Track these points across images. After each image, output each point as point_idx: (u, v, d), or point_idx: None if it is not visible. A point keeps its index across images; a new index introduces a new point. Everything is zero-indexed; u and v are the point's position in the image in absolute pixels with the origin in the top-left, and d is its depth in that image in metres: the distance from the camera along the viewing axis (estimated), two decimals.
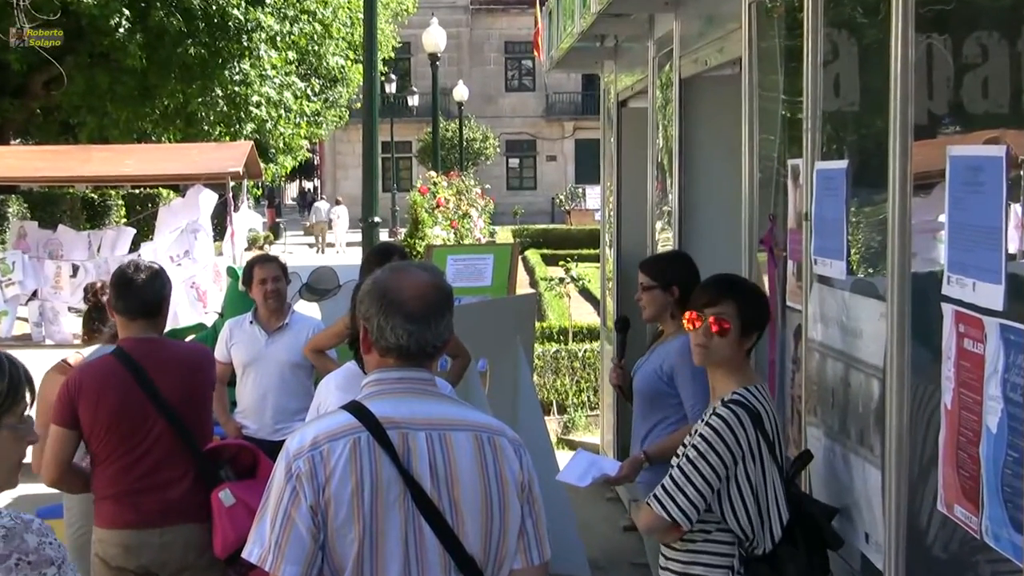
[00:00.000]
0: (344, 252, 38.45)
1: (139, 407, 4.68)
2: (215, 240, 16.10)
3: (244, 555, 2.82)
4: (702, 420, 3.81)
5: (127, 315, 4.77)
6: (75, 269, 14.23)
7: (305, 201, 62.57)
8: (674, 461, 3.82)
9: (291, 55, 26.79)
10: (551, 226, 43.84)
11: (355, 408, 2.86)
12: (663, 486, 3.76)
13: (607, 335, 9.80)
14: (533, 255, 29.99)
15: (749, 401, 3.76)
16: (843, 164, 4.12)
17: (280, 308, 6.85)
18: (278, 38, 25.37)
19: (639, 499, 4.95)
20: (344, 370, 4.74)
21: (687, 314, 3.96)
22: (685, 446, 3.81)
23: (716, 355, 3.87)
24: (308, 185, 79.04)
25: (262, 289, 6.80)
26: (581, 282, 17.61)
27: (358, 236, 39.58)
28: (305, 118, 29.02)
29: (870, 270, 4.00)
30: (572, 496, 7.74)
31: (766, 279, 5.00)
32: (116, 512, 4.70)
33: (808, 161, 4.44)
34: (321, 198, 43.76)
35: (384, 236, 25.83)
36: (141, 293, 4.77)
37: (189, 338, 8.25)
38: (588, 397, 12.99)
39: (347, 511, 2.77)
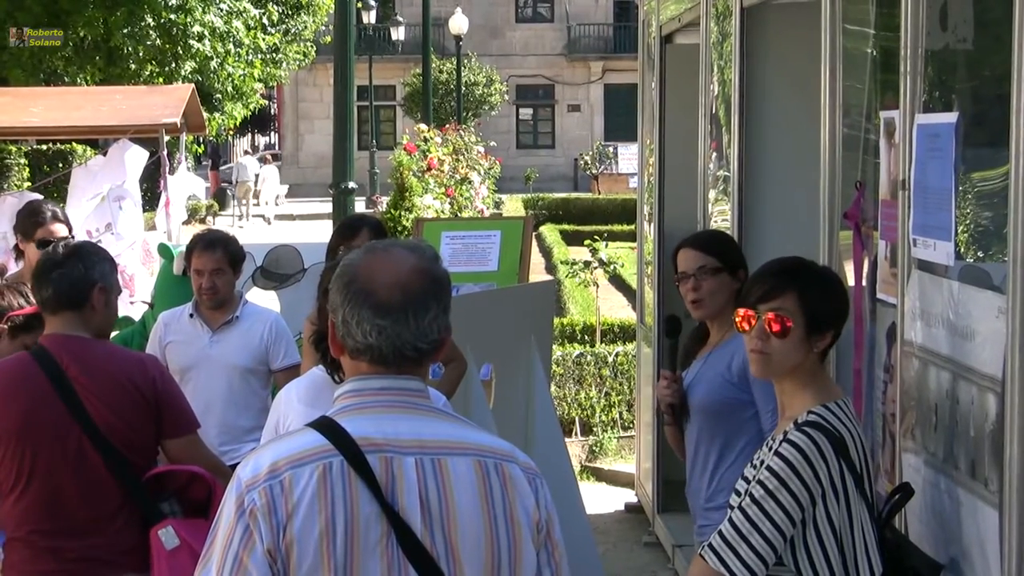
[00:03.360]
0: (272, 225, 38.37)
1: (56, 420, 4.66)
2: (145, 211, 16.12)
3: None
4: (769, 448, 3.80)
5: (46, 308, 4.80)
6: None
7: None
8: (734, 500, 3.81)
9: None
10: (573, 195, 43.90)
11: (325, 426, 2.87)
12: (721, 533, 3.74)
13: (645, 335, 9.81)
14: (551, 232, 30.04)
15: (829, 422, 3.75)
16: (952, 118, 4.12)
17: (218, 308, 6.84)
18: None
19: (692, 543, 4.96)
20: (309, 378, 4.74)
21: (738, 312, 3.95)
22: (748, 481, 3.79)
23: (779, 364, 3.87)
24: (263, 141, 79.16)
25: (196, 281, 6.80)
26: (612, 266, 17.62)
27: (294, 207, 39.11)
28: (260, 55, 29.05)
29: (985, 253, 3.99)
30: (601, 540, 7.77)
31: (851, 265, 4.99)
32: (29, 558, 4.70)
33: (906, 114, 4.43)
34: (246, 153, 43.71)
35: (360, 207, 25.89)
36: (60, 278, 4.78)
37: (112, 335, 8.27)
38: (620, 414, 13.01)
39: (314, 557, 2.78)
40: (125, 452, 4.72)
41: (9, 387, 4.69)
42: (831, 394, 3.87)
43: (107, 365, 4.80)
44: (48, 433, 4.67)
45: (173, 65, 25.81)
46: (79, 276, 4.82)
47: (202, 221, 35.11)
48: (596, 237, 18.21)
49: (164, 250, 9.05)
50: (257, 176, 42.38)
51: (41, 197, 15.52)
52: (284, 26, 32.33)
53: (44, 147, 30.41)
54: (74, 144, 30.17)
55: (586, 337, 15.16)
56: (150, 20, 24.90)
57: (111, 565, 4.71)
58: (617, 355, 13.46)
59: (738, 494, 3.82)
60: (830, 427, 3.74)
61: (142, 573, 4.73)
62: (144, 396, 4.80)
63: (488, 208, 25.58)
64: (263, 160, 44.74)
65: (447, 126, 28.96)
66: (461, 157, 24.91)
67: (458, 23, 43.74)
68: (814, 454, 3.70)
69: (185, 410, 4.99)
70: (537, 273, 21.91)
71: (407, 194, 19.20)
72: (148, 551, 4.72)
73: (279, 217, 41.96)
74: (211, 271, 6.74)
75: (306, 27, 33.74)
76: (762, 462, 3.79)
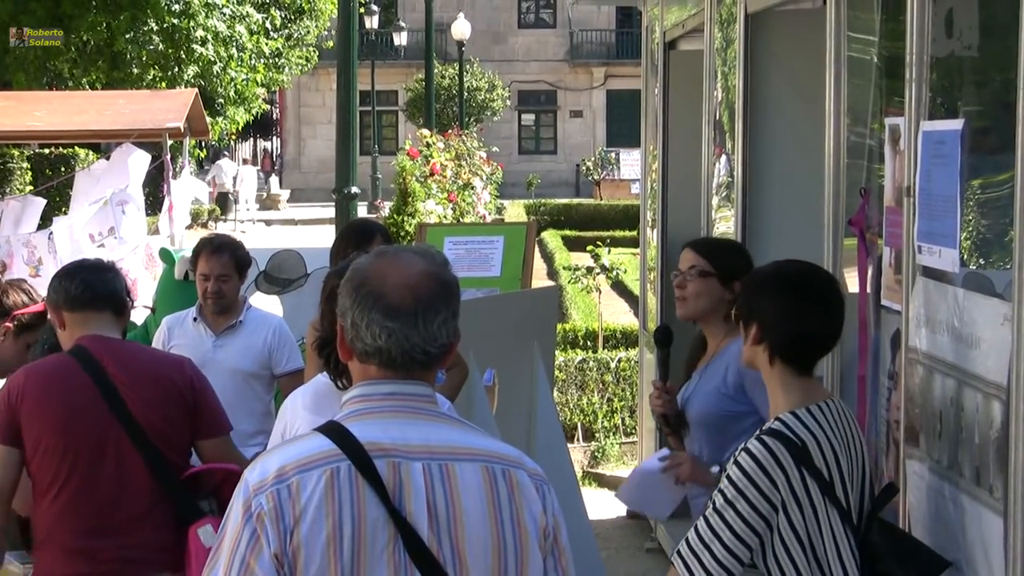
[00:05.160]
0: (253, 229, 38.14)
1: (97, 419, 4.67)
2: (148, 215, 16.13)
3: None
4: (732, 458, 3.81)
5: (91, 306, 4.81)
6: None
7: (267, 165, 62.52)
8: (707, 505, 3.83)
9: None
10: (575, 201, 43.88)
11: (333, 431, 2.87)
12: (687, 541, 3.78)
13: (647, 341, 9.81)
14: (553, 237, 30.04)
15: (791, 429, 3.76)
16: (957, 125, 4.11)
17: (223, 312, 6.85)
18: None
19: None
20: (314, 385, 4.74)
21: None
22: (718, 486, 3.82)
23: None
24: (265, 145, 79.13)
25: (202, 286, 6.80)
26: (614, 272, 17.63)
27: (296, 212, 38.69)
28: (263, 60, 29.05)
29: (990, 260, 4.00)
30: (603, 546, 7.76)
31: (855, 272, 4.99)
32: (64, 561, 4.67)
33: (911, 120, 4.43)
34: (224, 155, 43.51)
35: (363, 212, 25.89)
36: (106, 281, 4.86)
37: None
38: (623, 420, 13.01)
39: (321, 562, 2.78)
40: (164, 451, 4.75)
41: (52, 386, 4.69)
42: (810, 398, 3.86)
43: (147, 366, 4.86)
44: (90, 432, 4.68)
45: (176, 69, 25.84)
46: (121, 287, 4.93)
47: (204, 225, 35.11)
48: (598, 243, 18.20)
49: (166, 255, 9.06)
50: (235, 178, 42.34)
51: (44, 201, 15.58)
52: (287, 31, 32.34)
53: (47, 151, 30.40)
54: (77, 148, 30.16)
55: (588, 343, 15.16)
56: (153, 24, 24.93)
57: (148, 564, 4.69)
58: (619, 361, 13.46)
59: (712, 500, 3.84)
60: (791, 435, 3.75)
61: (178, 572, 4.74)
62: (183, 396, 4.86)
63: (490, 214, 25.59)
64: (243, 161, 44.86)
65: (449, 131, 28.97)
66: (463, 162, 24.93)
67: (460, 28, 43.77)
68: (770, 463, 3.71)
69: (219, 411, 5.05)
70: (539, 279, 21.90)
71: (410, 199, 19.21)
72: (183, 550, 4.73)
73: (281, 221, 41.91)
74: (217, 276, 6.74)
75: (308, 32, 33.76)
76: (724, 472, 3.81)
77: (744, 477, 3.70)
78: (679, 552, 3.77)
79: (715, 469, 4.84)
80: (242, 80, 28.35)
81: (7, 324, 5.36)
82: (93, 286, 4.83)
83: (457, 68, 44.61)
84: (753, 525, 3.70)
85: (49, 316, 5.01)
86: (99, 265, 4.99)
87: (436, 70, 41.19)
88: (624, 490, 5.14)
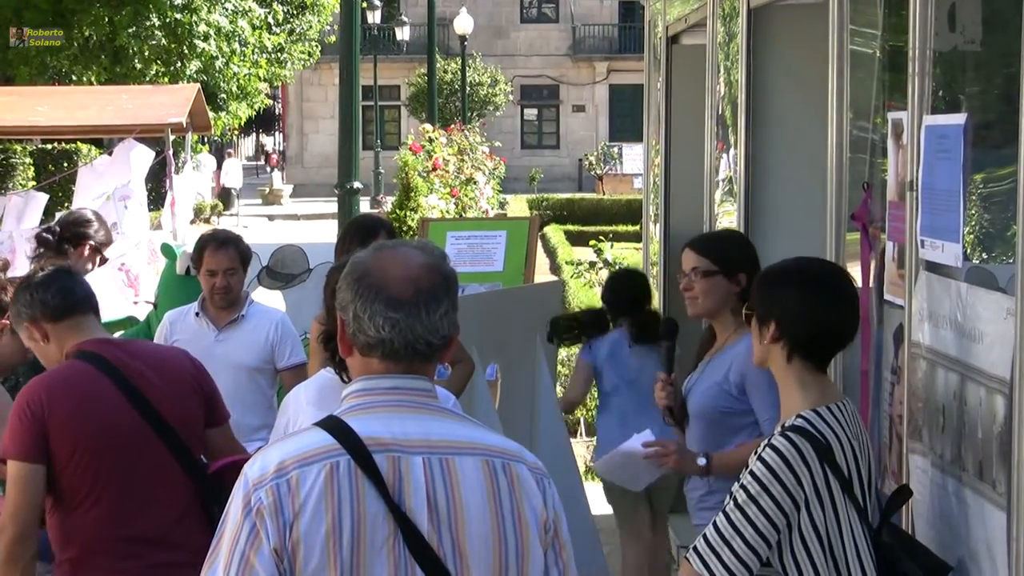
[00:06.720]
0: (256, 224, 38.01)
1: (129, 423, 4.54)
2: (151, 210, 16.13)
3: None
4: (755, 454, 3.81)
5: (76, 311, 4.66)
6: None
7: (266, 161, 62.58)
8: (726, 500, 3.82)
9: None
10: (578, 195, 43.91)
11: (333, 425, 2.87)
12: (706, 536, 3.76)
13: None
14: (555, 232, 30.03)
15: (815, 427, 3.76)
16: (960, 119, 4.11)
17: (228, 307, 6.85)
18: None
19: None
20: (318, 380, 4.75)
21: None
22: (738, 481, 3.80)
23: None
24: (268, 141, 79.22)
25: (209, 282, 6.80)
26: (617, 267, 17.63)
27: (298, 207, 38.39)
28: (265, 55, 29.07)
29: (993, 255, 3.99)
30: (605, 540, 7.76)
31: (858, 266, 4.99)
32: (106, 571, 4.52)
33: (914, 115, 4.42)
34: (201, 148, 43.41)
35: (365, 207, 25.91)
36: (81, 283, 4.74)
37: (116, 335, 8.28)
38: None
39: (321, 556, 2.79)
40: (192, 448, 4.67)
41: (81, 395, 4.53)
42: (826, 398, 3.87)
43: (162, 362, 4.77)
44: (124, 437, 4.54)
45: (178, 65, 25.88)
46: (91, 288, 4.83)
47: (207, 221, 35.14)
48: (601, 238, 18.22)
49: (167, 250, 9.05)
50: (216, 172, 42.39)
51: (47, 196, 15.59)
52: (289, 26, 32.37)
53: (49, 146, 30.43)
54: (79, 143, 30.19)
55: None
56: (155, 20, 24.96)
57: (189, 567, 4.44)
58: None
59: (731, 494, 3.83)
60: (815, 432, 3.75)
61: None
62: (199, 387, 4.80)
63: (493, 208, 25.61)
64: (228, 155, 44.97)
65: (452, 126, 28.98)
66: (466, 157, 24.94)
67: (463, 23, 43.78)
68: (796, 460, 3.71)
69: (221, 397, 4.97)
70: (542, 273, 21.91)
71: (412, 194, 19.22)
72: None
73: (284, 217, 41.90)
74: (225, 270, 6.76)
75: (311, 27, 33.79)
76: (747, 468, 3.80)
77: (769, 473, 3.70)
78: (695, 549, 3.75)
79: (702, 460, 4.88)
80: (244, 75, 28.40)
81: (3, 321, 5.31)
82: (72, 291, 4.68)
83: (459, 63, 44.63)
84: (775, 521, 3.69)
85: (23, 333, 4.77)
86: (64, 270, 4.84)
87: (438, 65, 41.24)
88: (603, 466, 5.23)
